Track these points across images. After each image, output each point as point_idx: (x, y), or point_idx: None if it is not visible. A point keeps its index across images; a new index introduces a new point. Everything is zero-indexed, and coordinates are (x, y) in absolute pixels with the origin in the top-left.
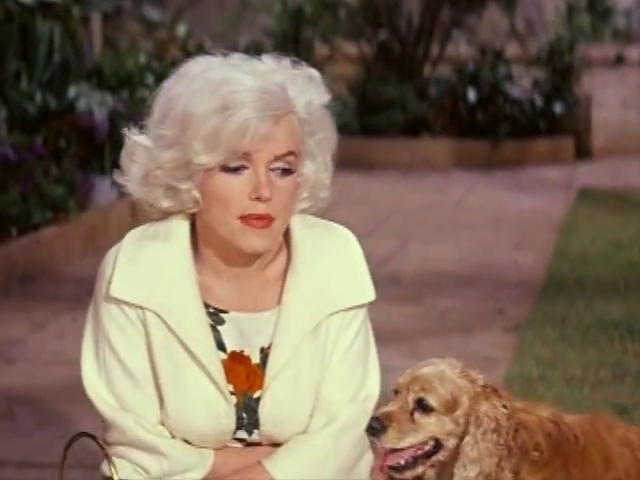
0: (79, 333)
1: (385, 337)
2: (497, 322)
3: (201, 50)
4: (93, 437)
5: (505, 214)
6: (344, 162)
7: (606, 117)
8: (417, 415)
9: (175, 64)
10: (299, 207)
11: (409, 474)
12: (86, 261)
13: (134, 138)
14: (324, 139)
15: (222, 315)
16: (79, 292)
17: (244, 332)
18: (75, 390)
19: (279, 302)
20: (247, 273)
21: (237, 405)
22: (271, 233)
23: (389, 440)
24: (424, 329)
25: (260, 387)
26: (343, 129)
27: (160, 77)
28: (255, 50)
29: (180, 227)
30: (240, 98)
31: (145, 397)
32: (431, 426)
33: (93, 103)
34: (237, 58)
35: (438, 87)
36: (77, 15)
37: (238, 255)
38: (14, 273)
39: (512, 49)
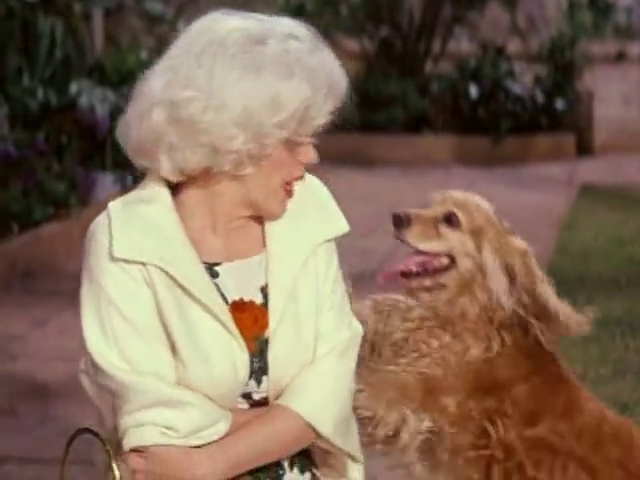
0: (81, 329)
1: None
2: None
3: None
4: (95, 433)
5: (506, 210)
6: (345, 158)
7: (607, 114)
8: (442, 227)
9: None
10: None
11: (415, 283)
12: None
13: (214, 101)
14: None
15: (215, 268)
16: (80, 288)
17: (239, 280)
18: (77, 386)
19: (264, 245)
20: (238, 226)
21: (248, 350)
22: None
23: (412, 236)
24: None
25: (267, 324)
26: (344, 125)
27: None
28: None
29: (161, 190)
30: (335, 85)
31: (160, 356)
32: (454, 241)
33: (95, 99)
34: (255, 18)
35: (439, 83)
36: (79, 11)
37: (249, 216)
38: (15, 269)
39: (513, 45)
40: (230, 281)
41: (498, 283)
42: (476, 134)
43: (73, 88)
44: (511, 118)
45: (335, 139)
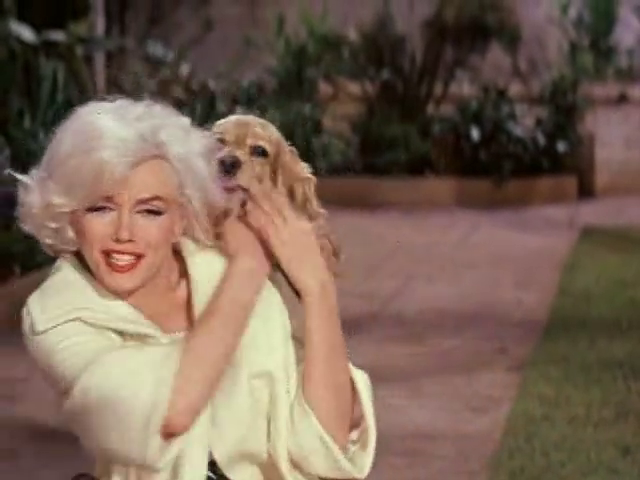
0: None
1: (388, 376)
2: (500, 361)
3: (204, 89)
4: (94, 478)
5: (508, 253)
6: (348, 201)
7: (609, 156)
8: (255, 159)
9: (178, 103)
10: (197, 236)
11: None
12: None
13: (23, 177)
14: (197, 184)
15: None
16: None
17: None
18: None
19: (191, 324)
20: (160, 296)
21: None
22: (139, 272)
23: (245, 175)
24: (427, 368)
25: None
26: (346, 168)
27: None
28: (258, 88)
29: (72, 269)
30: (99, 143)
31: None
32: (266, 170)
33: None
34: (115, 104)
35: (441, 126)
36: (80, 54)
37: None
38: (18, 312)
39: (515, 88)
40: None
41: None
42: (478, 176)
43: None
44: (513, 160)
45: (337, 182)
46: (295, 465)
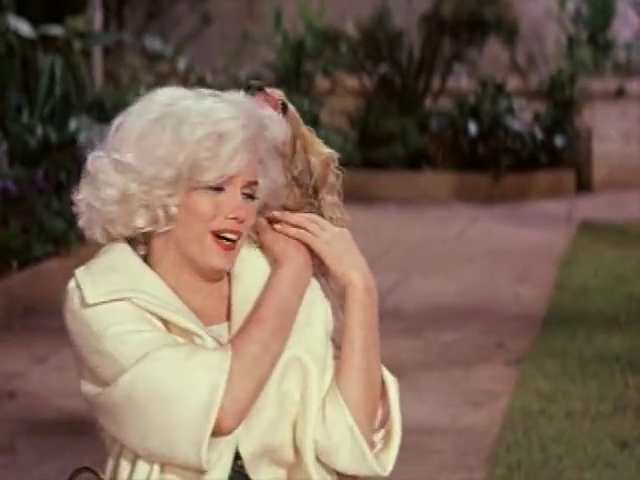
0: None
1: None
2: (498, 355)
3: (202, 84)
4: (95, 472)
5: (506, 247)
6: (345, 195)
7: (607, 150)
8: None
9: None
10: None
11: None
12: None
13: (114, 156)
14: (269, 177)
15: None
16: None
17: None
18: (77, 424)
19: (228, 317)
20: (208, 289)
21: None
22: (235, 253)
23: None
24: (425, 362)
25: None
26: (344, 162)
27: None
28: None
29: (120, 244)
30: (230, 126)
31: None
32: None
33: (94, 136)
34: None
35: (439, 120)
36: (78, 48)
37: (202, 272)
38: (15, 306)
39: (513, 82)
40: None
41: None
42: (476, 171)
43: (72, 125)
44: (510, 155)
45: None
46: (319, 459)
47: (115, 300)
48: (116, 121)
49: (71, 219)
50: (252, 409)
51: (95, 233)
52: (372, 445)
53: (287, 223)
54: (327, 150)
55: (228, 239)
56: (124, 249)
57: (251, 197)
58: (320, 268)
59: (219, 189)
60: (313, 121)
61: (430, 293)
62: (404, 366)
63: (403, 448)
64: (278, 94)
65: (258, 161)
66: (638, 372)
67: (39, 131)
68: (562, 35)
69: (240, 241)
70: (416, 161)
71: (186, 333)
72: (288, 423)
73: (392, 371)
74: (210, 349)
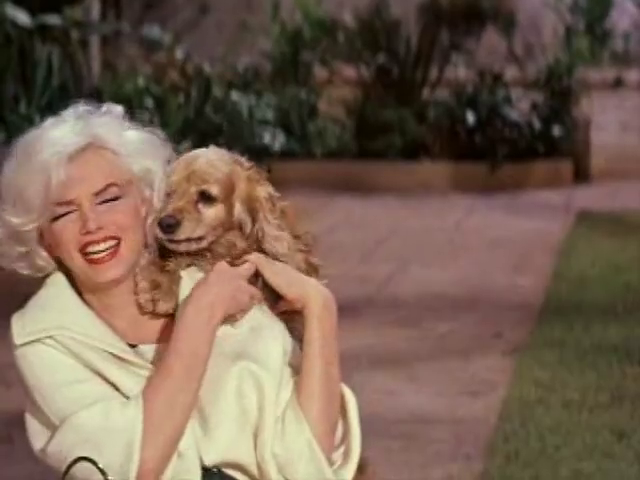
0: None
1: (383, 360)
2: (495, 345)
3: (200, 74)
4: (93, 462)
5: (504, 237)
6: (342, 185)
7: (605, 140)
8: (201, 206)
9: (174, 87)
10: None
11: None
12: None
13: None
14: (150, 166)
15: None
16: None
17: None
18: None
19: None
20: (132, 308)
21: None
22: (121, 259)
23: (186, 231)
24: (422, 352)
25: None
26: (342, 152)
27: (159, 100)
28: (254, 73)
29: (62, 286)
30: (37, 146)
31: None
32: (217, 213)
33: None
34: (48, 122)
35: (437, 110)
36: (76, 38)
37: (105, 291)
38: (14, 295)
39: (511, 72)
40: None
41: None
42: (473, 161)
43: None
44: (508, 145)
45: (332, 166)
46: (280, 470)
47: (39, 340)
48: None
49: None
50: (212, 423)
51: (18, 268)
52: (331, 462)
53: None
54: (262, 193)
55: (98, 252)
56: (60, 282)
57: (114, 199)
58: (277, 308)
59: (64, 215)
60: (310, 111)
61: (428, 283)
62: (401, 356)
63: (400, 437)
64: (195, 188)
65: (101, 169)
66: (636, 362)
67: (37, 121)
68: (560, 25)
69: (124, 243)
70: (414, 151)
71: (114, 357)
72: (249, 438)
73: (389, 361)
74: (122, 405)
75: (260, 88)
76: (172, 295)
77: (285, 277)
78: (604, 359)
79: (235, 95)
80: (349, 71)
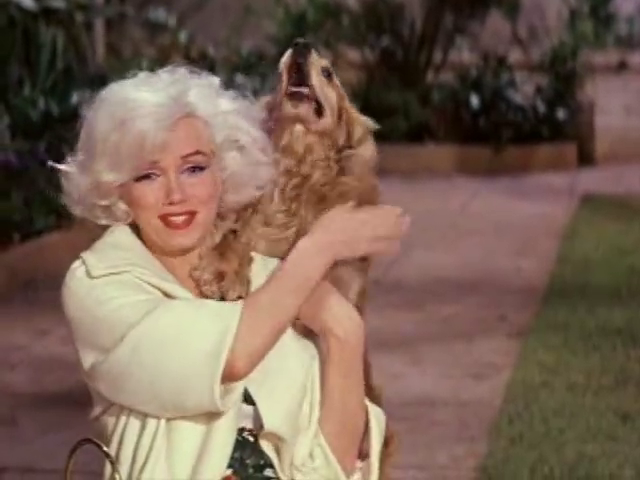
0: None
1: (388, 343)
2: (500, 328)
3: (204, 56)
4: (97, 444)
5: (508, 220)
6: None
7: (609, 123)
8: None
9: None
10: (229, 200)
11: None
12: None
13: (62, 166)
14: (238, 137)
15: None
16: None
17: None
18: (79, 396)
19: None
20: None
21: None
22: (195, 228)
23: (314, 78)
24: (427, 335)
25: None
26: None
27: None
28: (258, 56)
29: (124, 234)
30: (135, 113)
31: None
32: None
33: None
34: (140, 78)
35: (441, 93)
36: (80, 21)
37: (172, 254)
38: (17, 279)
39: (515, 55)
40: None
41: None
42: (478, 144)
43: (74, 98)
44: (512, 128)
45: None
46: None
47: (116, 273)
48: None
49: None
50: (278, 385)
51: (95, 218)
52: (350, 475)
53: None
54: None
55: (176, 217)
56: (125, 231)
57: (199, 168)
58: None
59: (149, 176)
60: None
61: (432, 266)
62: (406, 339)
63: (405, 420)
64: (324, 63)
65: (191, 135)
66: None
67: (41, 104)
68: (564, 8)
69: (200, 215)
70: (418, 134)
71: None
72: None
73: (393, 343)
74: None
75: (264, 71)
76: (241, 280)
77: (310, 305)
78: (608, 342)
79: (239, 78)
80: (353, 54)
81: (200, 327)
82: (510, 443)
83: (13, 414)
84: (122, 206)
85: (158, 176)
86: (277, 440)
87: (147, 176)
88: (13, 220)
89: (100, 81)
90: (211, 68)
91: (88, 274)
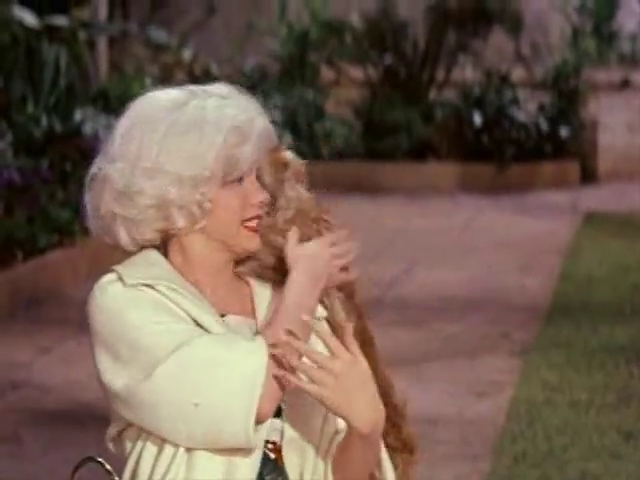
0: (85, 357)
1: (391, 361)
2: (503, 346)
3: (207, 74)
4: (100, 462)
5: (511, 238)
6: (350, 185)
7: (612, 141)
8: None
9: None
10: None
11: None
12: (92, 285)
13: (143, 164)
14: None
15: (225, 316)
16: (85, 316)
17: (235, 330)
18: (81, 414)
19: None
20: (228, 282)
21: None
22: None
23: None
24: (430, 353)
25: None
26: (349, 153)
27: None
28: (261, 73)
29: (154, 253)
30: (244, 119)
31: None
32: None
33: (99, 127)
34: (201, 90)
35: (444, 111)
36: (83, 39)
37: (228, 261)
38: (20, 297)
39: (518, 73)
40: (235, 331)
41: None
42: (480, 161)
43: (77, 115)
44: (515, 145)
45: (340, 167)
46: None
47: (151, 286)
48: (119, 129)
49: (76, 209)
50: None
51: (120, 239)
52: None
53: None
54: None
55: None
56: (153, 253)
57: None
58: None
59: (240, 179)
60: (318, 112)
61: (435, 284)
62: (409, 357)
63: None
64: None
65: None
66: None
67: (44, 121)
68: (567, 26)
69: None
70: (421, 152)
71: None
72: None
73: (397, 361)
74: (245, 337)
75: (267, 89)
76: None
77: (341, 385)
78: (611, 359)
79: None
80: (356, 72)
81: (234, 362)
82: (513, 461)
83: (17, 432)
84: (208, 205)
85: (243, 180)
86: (299, 457)
87: (238, 180)
88: (16, 237)
89: (103, 99)
90: None
91: (122, 283)
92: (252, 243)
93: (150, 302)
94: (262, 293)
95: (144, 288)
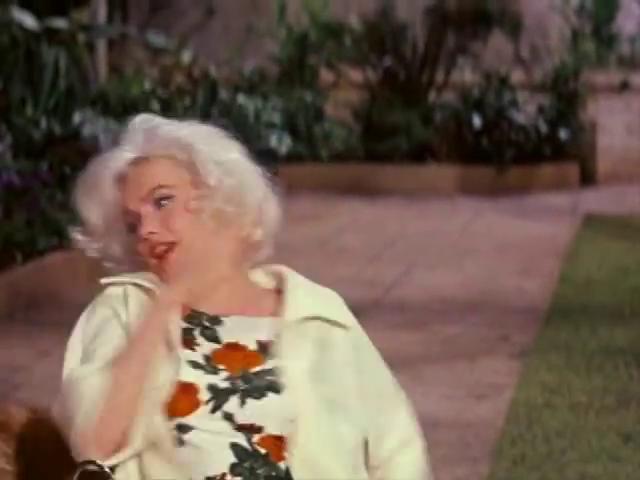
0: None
1: (389, 363)
2: (502, 348)
3: (206, 76)
4: (99, 465)
5: (510, 240)
6: (349, 188)
7: (611, 143)
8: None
9: (180, 91)
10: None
11: None
12: (91, 288)
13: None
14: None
15: (222, 318)
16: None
17: (241, 330)
18: None
19: (276, 311)
20: (232, 283)
21: (231, 372)
22: (180, 253)
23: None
24: (429, 355)
25: (259, 364)
26: (348, 155)
27: (165, 104)
28: (260, 76)
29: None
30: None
31: None
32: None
33: (98, 129)
34: None
35: (443, 113)
36: (82, 41)
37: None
38: (19, 299)
39: (517, 75)
40: (232, 329)
41: None
42: (480, 164)
43: (77, 118)
44: (515, 147)
45: (339, 169)
46: None
47: (120, 284)
48: None
49: (75, 212)
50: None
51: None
52: None
53: None
54: None
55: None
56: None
57: (164, 199)
58: None
59: (135, 225)
60: (317, 114)
61: (434, 286)
62: (408, 359)
63: None
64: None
65: (153, 174)
66: None
67: (43, 124)
68: (566, 28)
69: (183, 242)
70: (420, 154)
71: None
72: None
73: (395, 363)
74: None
75: (266, 91)
76: None
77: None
78: (611, 362)
79: (241, 98)
80: (355, 74)
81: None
82: (512, 464)
83: None
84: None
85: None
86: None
87: (134, 226)
88: (15, 240)
89: (102, 101)
90: (213, 88)
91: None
92: (162, 273)
93: (99, 318)
94: (295, 297)
95: (113, 288)
